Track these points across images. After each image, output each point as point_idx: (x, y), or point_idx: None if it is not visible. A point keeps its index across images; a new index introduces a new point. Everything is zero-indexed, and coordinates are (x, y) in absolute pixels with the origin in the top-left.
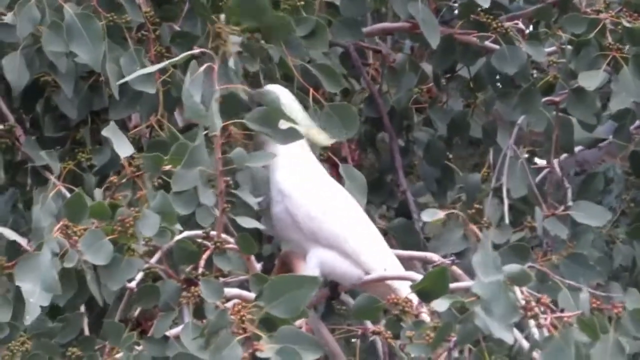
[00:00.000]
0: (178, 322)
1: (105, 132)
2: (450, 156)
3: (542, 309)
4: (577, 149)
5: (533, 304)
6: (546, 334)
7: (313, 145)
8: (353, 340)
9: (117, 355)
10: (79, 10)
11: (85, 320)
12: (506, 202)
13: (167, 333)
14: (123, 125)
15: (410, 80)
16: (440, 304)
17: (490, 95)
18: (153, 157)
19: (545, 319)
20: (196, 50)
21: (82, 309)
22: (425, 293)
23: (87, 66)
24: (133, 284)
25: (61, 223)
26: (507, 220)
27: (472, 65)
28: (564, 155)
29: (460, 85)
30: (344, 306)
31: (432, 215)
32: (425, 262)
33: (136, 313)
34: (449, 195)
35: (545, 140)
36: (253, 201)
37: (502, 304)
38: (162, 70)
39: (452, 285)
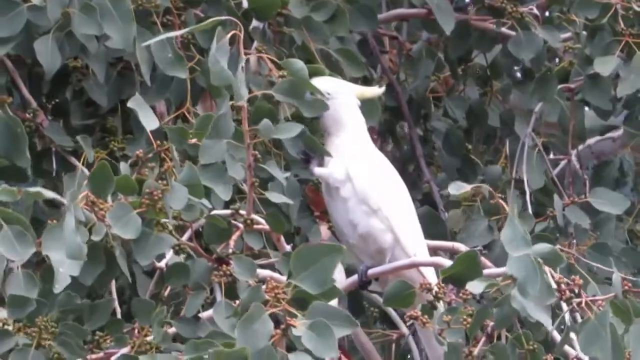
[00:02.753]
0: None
1: (130, 103)
2: (470, 146)
3: (575, 291)
4: (593, 140)
5: (565, 285)
6: (579, 317)
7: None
8: None
9: (148, 338)
10: None
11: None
12: (528, 192)
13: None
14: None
15: (428, 67)
16: (475, 286)
17: (507, 84)
18: (178, 130)
19: (580, 302)
20: (223, 17)
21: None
22: (457, 278)
23: (117, 52)
24: (162, 263)
25: (86, 192)
26: (530, 210)
27: (488, 52)
28: (581, 146)
29: (477, 74)
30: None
31: (458, 189)
32: (452, 252)
33: (166, 292)
34: None
35: (560, 129)
36: (281, 176)
37: (537, 284)
38: (189, 57)
39: (485, 272)
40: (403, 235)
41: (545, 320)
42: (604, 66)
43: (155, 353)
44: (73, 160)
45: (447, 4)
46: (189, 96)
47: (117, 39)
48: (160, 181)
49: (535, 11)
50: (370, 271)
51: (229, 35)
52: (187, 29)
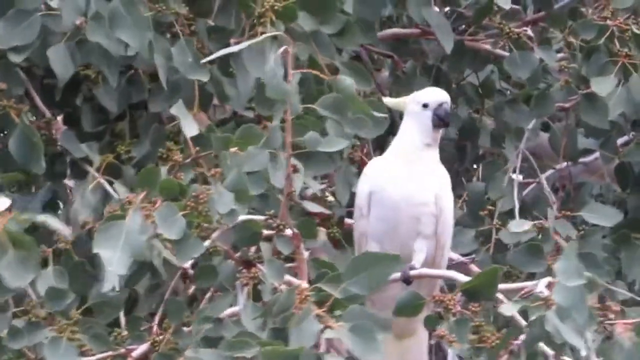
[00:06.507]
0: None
1: (173, 110)
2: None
3: (611, 316)
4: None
5: (599, 310)
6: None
7: None
8: None
9: (168, 335)
10: None
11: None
12: (517, 203)
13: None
14: (159, 120)
15: (422, 85)
16: (508, 309)
17: (499, 102)
18: (223, 138)
19: (614, 325)
20: (275, 33)
21: None
22: (474, 293)
23: (128, 59)
24: (188, 264)
25: (143, 194)
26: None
27: (480, 71)
28: (550, 171)
29: (468, 93)
30: None
31: (520, 226)
32: None
33: (190, 291)
34: None
35: (552, 148)
36: (317, 187)
37: (583, 312)
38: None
39: (501, 287)
40: (443, 261)
41: (580, 344)
42: (602, 86)
43: (199, 348)
44: (86, 166)
45: (447, 23)
46: (196, 103)
47: (132, 43)
48: (203, 185)
49: (530, 32)
50: None
51: (280, 50)
52: (250, 41)
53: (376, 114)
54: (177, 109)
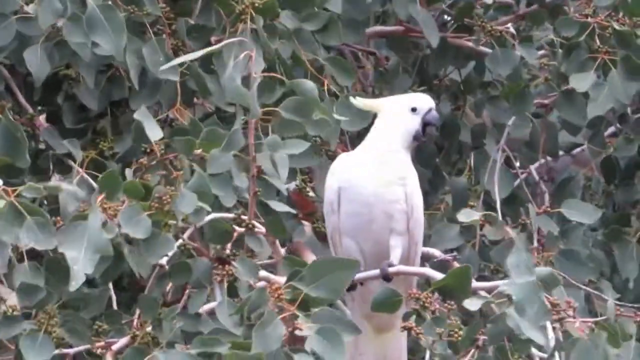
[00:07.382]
0: (209, 299)
1: (137, 115)
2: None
3: (569, 312)
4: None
5: (561, 307)
6: (571, 336)
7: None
8: None
9: (148, 329)
10: (101, 2)
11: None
12: (498, 200)
13: (200, 309)
14: None
15: (405, 82)
16: (472, 304)
17: (480, 99)
18: (186, 141)
19: (574, 322)
20: (238, 38)
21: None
22: (447, 291)
23: (106, 58)
24: (164, 261)
25: (103, 195)
26: (500, 217)
27: (463, 67)
28: (537, 162)
29: (451, 89)
30: None
31: (469, 216)
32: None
33: (168, 288)
34: None
35: (532, 144)
36: (282, 187)
37: (536, 305)
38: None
39: (474, 285)
40: (417, 257)
41: (540, 338)
42: (580, 82)
43: (167, 348)
44: (69, 161)
45: (432, 19)
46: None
47: (108, 48)
48: (168, 186)
49: (512, 30)
50: (357, 276)
51: (242, 55)
52: (206, 50)
53: (337, 116)
54: (140, 114)
